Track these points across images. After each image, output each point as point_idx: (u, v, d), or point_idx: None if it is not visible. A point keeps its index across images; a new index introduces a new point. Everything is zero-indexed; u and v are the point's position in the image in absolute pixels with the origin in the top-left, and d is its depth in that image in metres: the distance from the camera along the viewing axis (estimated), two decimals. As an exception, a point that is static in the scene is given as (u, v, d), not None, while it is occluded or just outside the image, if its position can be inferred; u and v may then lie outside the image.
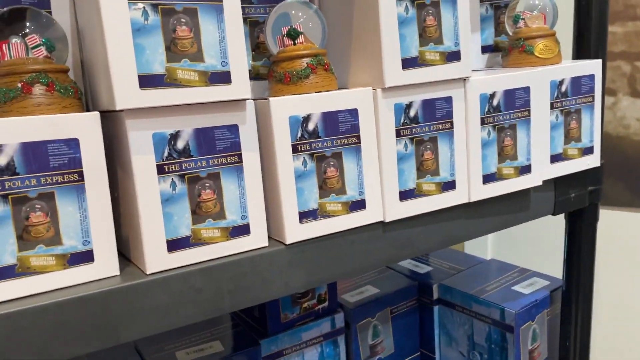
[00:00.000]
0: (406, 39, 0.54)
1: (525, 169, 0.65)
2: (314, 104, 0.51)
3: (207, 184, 0.48)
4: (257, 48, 0.60)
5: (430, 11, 0.55)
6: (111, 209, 0.45)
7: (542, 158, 0.66)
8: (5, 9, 0.45)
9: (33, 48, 0.44)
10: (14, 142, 0.40)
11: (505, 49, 0.72)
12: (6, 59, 0.44)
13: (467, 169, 0.61)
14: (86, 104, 0.52)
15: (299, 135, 0.51)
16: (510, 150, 0.63)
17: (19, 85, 0.42)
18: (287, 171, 0.51)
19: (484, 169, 0.62)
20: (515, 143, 0.63)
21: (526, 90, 0.63)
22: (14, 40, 0.44)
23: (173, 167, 0.46)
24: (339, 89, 0.56)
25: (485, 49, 0.76)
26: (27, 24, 0.45)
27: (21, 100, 0.42)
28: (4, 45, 0.44)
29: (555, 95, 0.66)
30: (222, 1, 0.45)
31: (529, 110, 0.63)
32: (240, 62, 0.47)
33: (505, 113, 0.62)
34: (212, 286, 0.48)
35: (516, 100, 0.62)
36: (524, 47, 0.68)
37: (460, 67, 0.57)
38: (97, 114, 0.43)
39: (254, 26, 0.59)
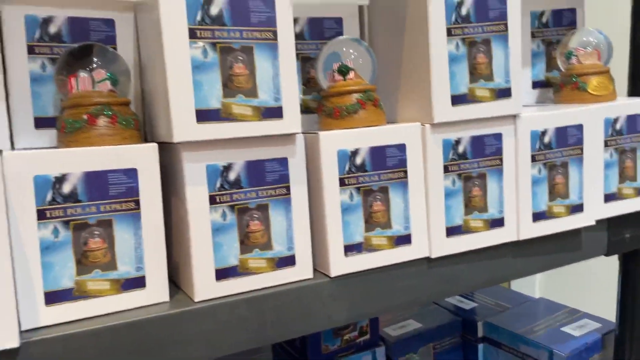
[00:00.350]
0: (456, 76, 0.54)
1: (577, 208, 0.63)
2: (362, 138, 0.52)
3: (255, 215, 0.49)
4: (308, 82, 0.61)
5: (482, 49, 0.55)
6: (164, 237, 0.46)
7: (595, 197, 0.65)
8: (75, 45, 0.48)
9: (99, 82, 0.47)
10: (78, 171, 0.42)
11: (557, 84, 0.71)
12: (74, 91, 0.46)
13: (517, 207, 0.60)
14: (144, 132, 0.54)
15: (347, 169, 0.51)
16: (561, 188, 0.62)
17: (85, 117, 0.45)
18: (334, 204, 0.51)
19: (534, 207, 0.60)
20: (567, 181, 0.62)
21: (579, 127, 0.62)
22: (82, 74, 0.47)
23: (224, 198, 0.47)
24: (388, 122, 0.56)
25: (536, 84, 0.75)
26: (94, 59, 0.48)
27: (86, 131, 0.45)
28: (72, 78, 0.47)
29: (610, 133, 0.65)
30: (277, 40, 0.47)
31: (581, 148, 0.62)
32: (292, 97, 0.48)
33: (557, 151, 0.61)
34: (256, 316, 0.49)
35: (568, 138, 0.61)
36: (577, 84, 0.67)
37: (511, 104, 0.57)
38: (155, 146, 0.45)
39: (305, 61, 0.61)
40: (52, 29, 0.49)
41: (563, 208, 0.62)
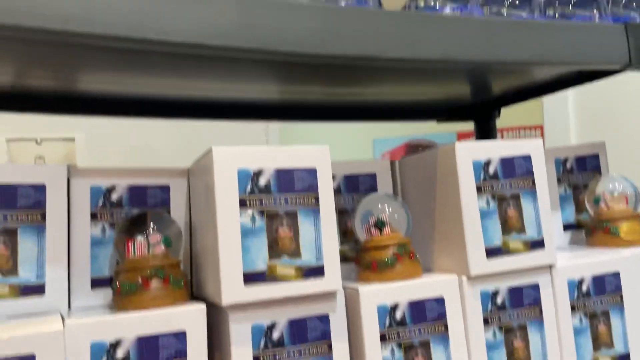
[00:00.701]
0: (489, 230, 0.56)
1: (624, 358, 0.61)
2: (401, 292, 0.53)
3: (298, 374, 0.49)
4: (345, 234, 0.64)
5: (511, 203, 0.57)
6: (208, 399, 0.47)
7: (641, 345, 0.63)
8: (134, 212, 0.52)
9: (153, 245, 0.51)
10: (132, 336, 0.44)
11: (589, 227, 0.72)
12: (130, 255, 0.50)
13: (561, 358, 0.58)
14: (191, 286, 0.56)
15: (387, 324, 0.52)
16: (605, 337, 0.60)
17: (140, 280, 0.48)
18: (376, 360, 0.51)
19: (578, 358, 0.59)
20: (609, 330, 0.61)
21: (616, 275, 0.62)
22: (139, 239, 0.50)
23: (268, 358, 0.48)
24: (424, 272, 0.58)
25: (567, 227, 0.77)
26: (150, 224, 0.51)
27: (140, 294, 0.47)
28: (129, 242, 0.50)
29: (648, 278, 0.65)
30: (319, 205, 0.50)
31: (621, 296, 0.62)
32: (332, 256, 0.51)
33: (596, 299, 0.61)
34: None
35: (607, 285, 0.61)
36: (608, 229, 0.69)
37: (545, 254, 0.58)
38: (203, 309, 0.47)
39: (342, 214, 0.64)
40: (114, 196, 0.54)
41: (609, 359, 0.60)
